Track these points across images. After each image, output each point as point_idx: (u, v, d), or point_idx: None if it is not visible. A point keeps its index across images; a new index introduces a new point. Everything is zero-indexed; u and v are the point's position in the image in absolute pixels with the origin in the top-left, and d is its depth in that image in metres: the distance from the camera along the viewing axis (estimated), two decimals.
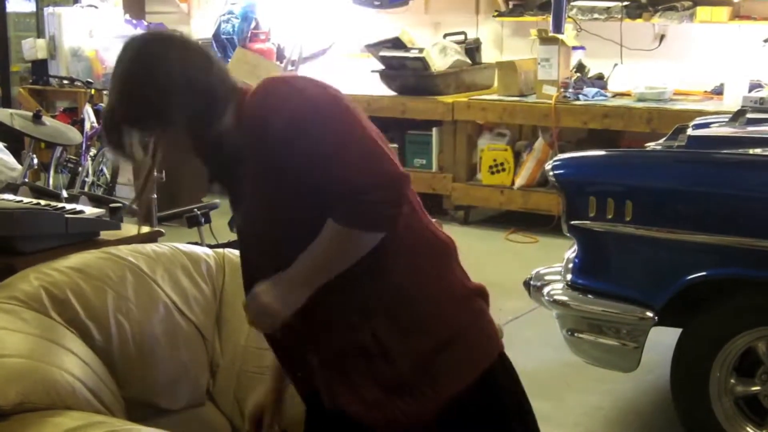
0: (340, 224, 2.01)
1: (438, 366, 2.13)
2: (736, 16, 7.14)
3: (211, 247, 3.39)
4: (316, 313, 2.11)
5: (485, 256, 6.27)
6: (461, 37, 8.01)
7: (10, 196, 3.54)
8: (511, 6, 8.10)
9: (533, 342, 4.83)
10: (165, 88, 1.99)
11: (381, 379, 2.11)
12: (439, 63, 7.62)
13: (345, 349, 2.12)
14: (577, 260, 3.93)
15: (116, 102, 2.04)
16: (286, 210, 2.06)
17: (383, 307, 2.10)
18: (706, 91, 7.26)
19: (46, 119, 5.70)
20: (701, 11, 7.16)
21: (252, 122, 2.03)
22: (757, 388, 3.70)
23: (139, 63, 2.03)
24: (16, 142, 6.88)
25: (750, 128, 4.29)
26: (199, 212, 4.48)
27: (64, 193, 4.75)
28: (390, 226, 2.03)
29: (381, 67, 7.82)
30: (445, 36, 7.99)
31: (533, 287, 4.11)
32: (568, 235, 3.95)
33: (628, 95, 7.29)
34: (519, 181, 7.30)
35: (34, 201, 3.32)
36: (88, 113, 8.01)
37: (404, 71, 7.69)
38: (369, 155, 2.00)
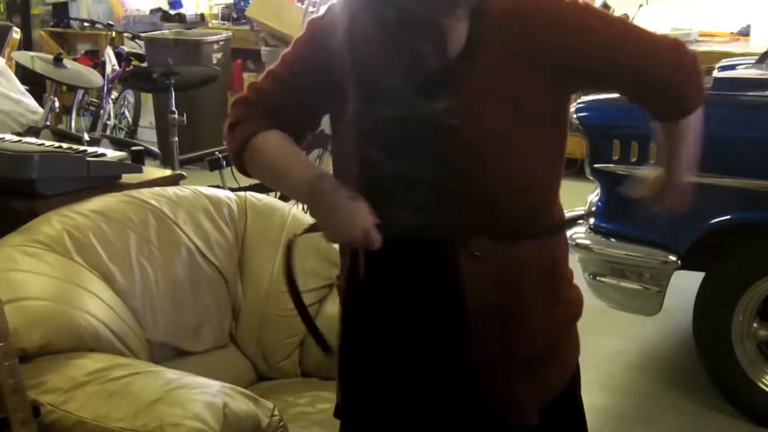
0: (693, 106, 1.96)
1: (568, 340, 2.04)
2: None
3: (232, 190, 3.38)
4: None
5: None
6: None
7: (32, 139, 3.54)
8: None
9: None
10: None
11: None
12: None
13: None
14: (600, 204, 3.91)
15: None
16: (536, 106, 1.81)
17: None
18: (732, 33, 7.17)
19: (68, 62, 5.70)
20: None
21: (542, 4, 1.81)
22: None
23: None
24: (37, 85, 6.88)
25: None
26: (220, 155, 4.47)
27: (86, 136, 4.74)
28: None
29: None
30: None
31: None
32: (592, 178, 3.93)
33: None
34: None
35: (56, 144, 3.32)
36: (109, 56, 8.00)
37: None
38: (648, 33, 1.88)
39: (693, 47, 6.55)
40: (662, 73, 1.86)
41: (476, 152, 1.78)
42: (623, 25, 1.88)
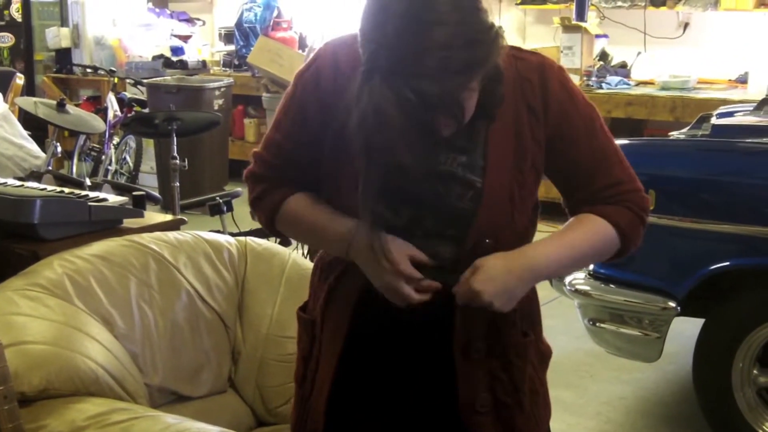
0: (615, 228, 1.90)
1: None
2: (761, 4, 7.09)
3: (233, 235, 3.39)
4: None
5: None
6: None
7: (34, 184, 3.55)
8: None
9: (555, 331, 4.82)
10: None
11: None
12: None
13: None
14: None
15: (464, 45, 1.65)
16: (527, 173, 1.88)
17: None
18: (730, 80, 7.22)
19: (70, 107, 5.74)
20: None
21: (552, 73, 1.89)
22: None
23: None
24: (40, 130, 6.92)
25: None
26: (221, 200, 4.49)
27: (88, 181, 4.78)
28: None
29: None
30: None
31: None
32: None
33: (652, 84, 7.26)
34: None
35: (58, 189, 3.33)
36: (112, 101, 8.05)
37: None
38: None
39: (691, 94, 6.64)
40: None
41: (494, 210, 1.85)
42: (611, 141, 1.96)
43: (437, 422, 1.97)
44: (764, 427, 3.70)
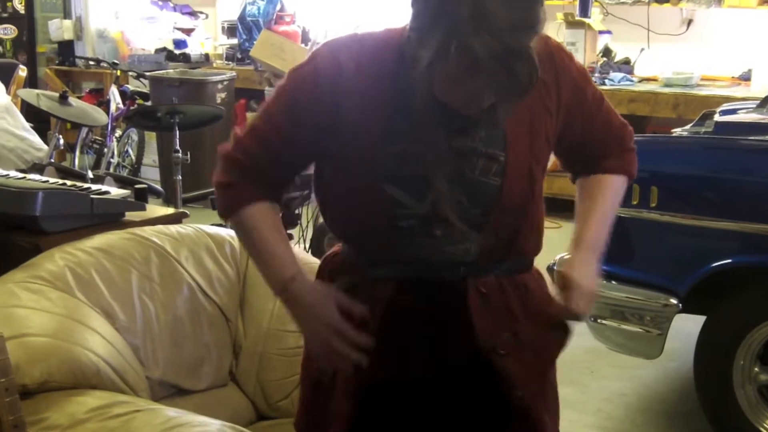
0: (623, 174, 2.06)
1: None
2: (765, 1, 7.07)
3: None
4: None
5: None
6: None
7: (36, 176, 3.55)
8: None
9: None
10: None
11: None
12: None
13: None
14: None
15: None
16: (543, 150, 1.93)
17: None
18: (733, 77, 7.21)
19: (72, 100, 5.73)
20: None
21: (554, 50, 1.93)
22: None
23: None
24: (42, 122, 6.91)
25: None
26: None
27: (90, 174, 4.76)
28: None
29: None
30: None
31: (556, 272, 4.09)
32: None
33: (655, 80, 7.25)
34: None
35: (60, 181, 3.33)
36: (114, 94, 8.04)
37: None
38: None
39: (694, 91, 6.63)
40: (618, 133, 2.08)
41: (520, 183, 1.86)
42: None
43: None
44: (765, 424, 3.69)
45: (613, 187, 2.05)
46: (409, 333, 1.93)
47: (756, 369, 3.70)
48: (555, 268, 3.45)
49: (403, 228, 1.86)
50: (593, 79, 7.10)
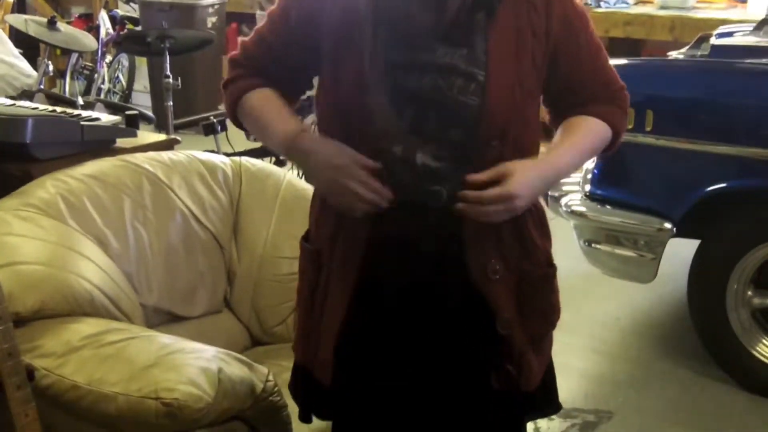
0: (607, 123, 1.97)
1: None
2: None
3: (227, 155, 3.37)
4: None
5: None
6: None
7: (26, 103, 3.52)
8: None
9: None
10: None
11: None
12: None
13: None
14: (595, 171, 3.91)
15: None
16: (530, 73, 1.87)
17: None
18: None
19: (61, 25, 5.66)
20: None
21: None
22: None
23: None
24: (31, 48, 6.84)
25: None
26: (215, 120, 4.45)
27: (80, 100, 4.73)
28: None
29: None
30: None
31: (551, 197, 4.09)
32: None
33: (651, 2, 7.18)
34: None
35: (50, 108, 3.30)
36: (104, 19, 7.94)
37: None
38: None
39: (690, 14, 6.56)
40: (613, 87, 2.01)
41: (500, 104, 1.81)
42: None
43: (456, 354, 1.96)
44: (758, 348, 3.72)
45: (594, 128, 1.96)
46: (398, 267, 1.90)
47: (749, 293, 3.72)
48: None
49: (385, 151, 1.82)
50: (589, 1, 7.05)
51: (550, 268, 2.04)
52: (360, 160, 1.81)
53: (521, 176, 1.80)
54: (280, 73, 1.99)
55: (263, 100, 1.98)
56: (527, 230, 1.96)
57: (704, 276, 3.77)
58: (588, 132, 1.96)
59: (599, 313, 4.43)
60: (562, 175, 1.95)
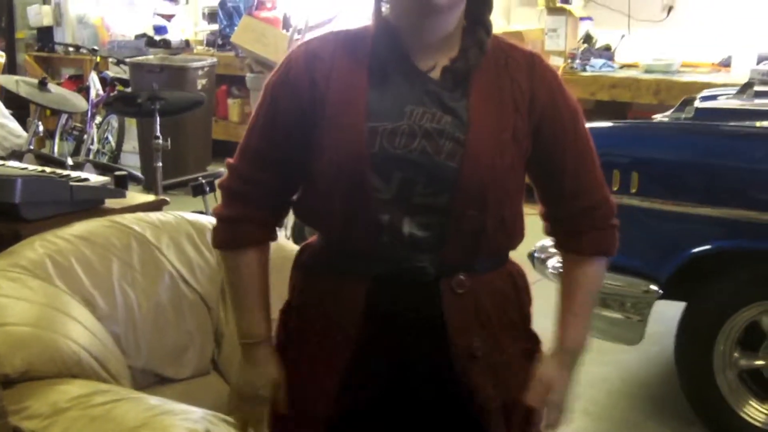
0: (601, 254, 2.09)
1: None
2: None
3: None
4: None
5: None
6: None
7: (16, 163, 3.53)
8: None
9: (537, 314, 4.77)
10: None
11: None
12: None
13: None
14: None
15: None
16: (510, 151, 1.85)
17: None
18: (714, 63, 7.22)
19: (52, 86, 5.70)
20: None
21: (532, 58, 1.89)
22: (761, 362, 3.71)
23: None
24: (21, 109, 6.87)
25: (757, 101, 4.26)
26: (204, 181, 4.47)
27: (69, 161, 4.74)
28: None
29: None
30: None
31: (537, 259, 4.10)
32: None
33: (636, 66, 7.26)
34: None
35: (39, 168, 3.32)
36: (94, 81, 8.00)
37: None
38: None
39: (675, 77, 6.64)
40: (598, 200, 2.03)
41: (478, 167, 1.80)
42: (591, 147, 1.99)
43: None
44: (745, 409, 3.72)
45: (593, 288, 2.07)
46: (386, 346, 1.88)
47: (736, 354, 3.72)
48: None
49: (375, 220, 1.81)
50: (575, 65, 7.13)
51: (537, 344, 2.07)
52: (275, 406, 1.95)
53: (560, 386, 2.08)
54: (280, 184, 1.91)
55: (251, 280, 2.00)
56: (511, 311, 2.00)
57: (691, 337, 3.77)
58: (590, 288, 2.08)
59: (587, 373, 4.38)
60: (580, 355, 2.11)
